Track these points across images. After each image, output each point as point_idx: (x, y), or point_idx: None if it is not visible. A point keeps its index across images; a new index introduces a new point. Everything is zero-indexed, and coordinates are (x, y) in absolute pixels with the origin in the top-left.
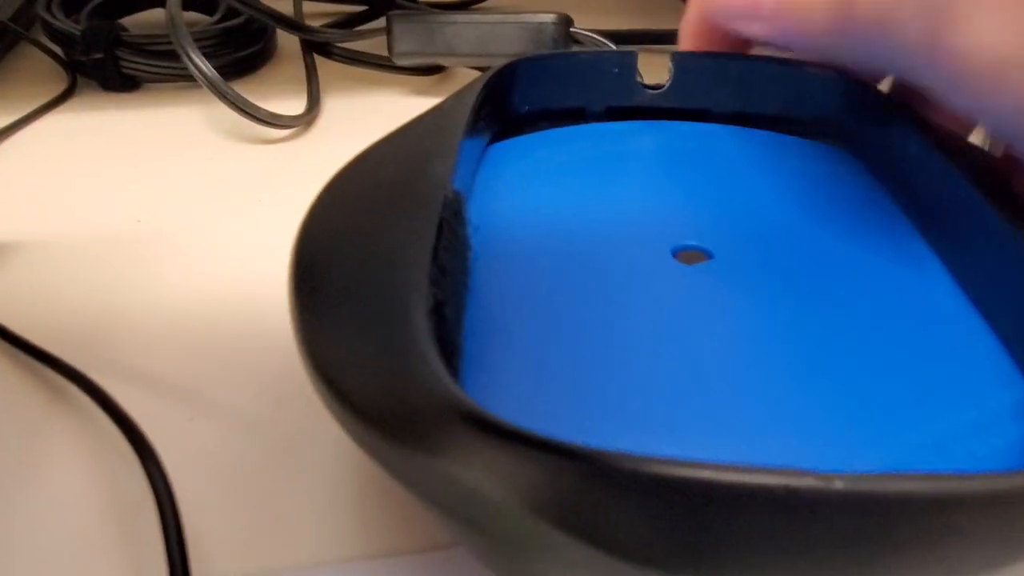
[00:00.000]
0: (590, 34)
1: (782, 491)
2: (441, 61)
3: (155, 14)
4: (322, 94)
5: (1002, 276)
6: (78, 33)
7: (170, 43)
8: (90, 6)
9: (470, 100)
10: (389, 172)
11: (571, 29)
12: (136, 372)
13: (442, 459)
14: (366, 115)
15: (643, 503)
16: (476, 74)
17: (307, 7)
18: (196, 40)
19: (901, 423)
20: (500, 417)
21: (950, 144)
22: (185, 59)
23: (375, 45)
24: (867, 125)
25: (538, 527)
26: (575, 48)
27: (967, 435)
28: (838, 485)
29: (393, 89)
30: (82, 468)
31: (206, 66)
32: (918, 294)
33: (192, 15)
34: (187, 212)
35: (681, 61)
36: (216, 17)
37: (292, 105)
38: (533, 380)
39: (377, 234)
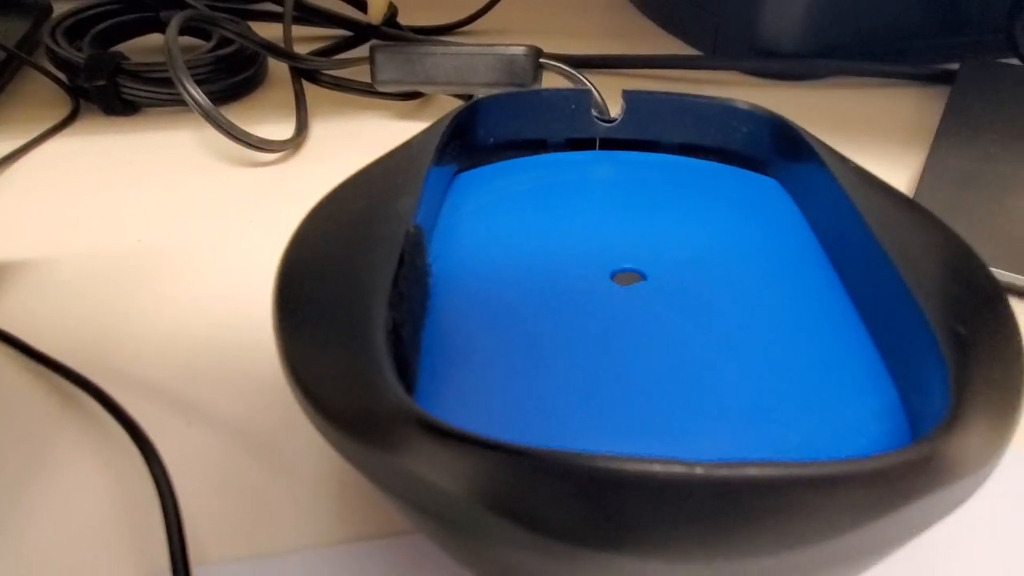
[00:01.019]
0: (558, 64)
1: (659, 476)
2: (421, 88)
3: (154, 39)
4: (310, 117)
5: (881, 299)
6: (81, 61)
7: (167, 71)
8: (92, 32)
9: (436, 137)
10: (360, 206)
11: (540, 60)
12: (139, 380)
13: (393, 455)
14: (351, 138)
15: (566, 490)
16: (454, 101)
17: (298, 31)
18: (191, 67)
19: (782, 422)
20: (447, 421)
21: (853, 180)
22: (180, 88)
23: (361, 71)
24: (789, 160)
25: (478, 513)
26: (546, 73)
27: (835, 433)
28: (698, 471)
29: (377, 113)
30: (91, 466)
31: (199, 94)
32: (816, 313)
33: (189, 40)
34: (183, 232)
35: (631, 98)
36: (211, 45)
37: (282, 127)
38: (481, 390)
39: (347, 263)
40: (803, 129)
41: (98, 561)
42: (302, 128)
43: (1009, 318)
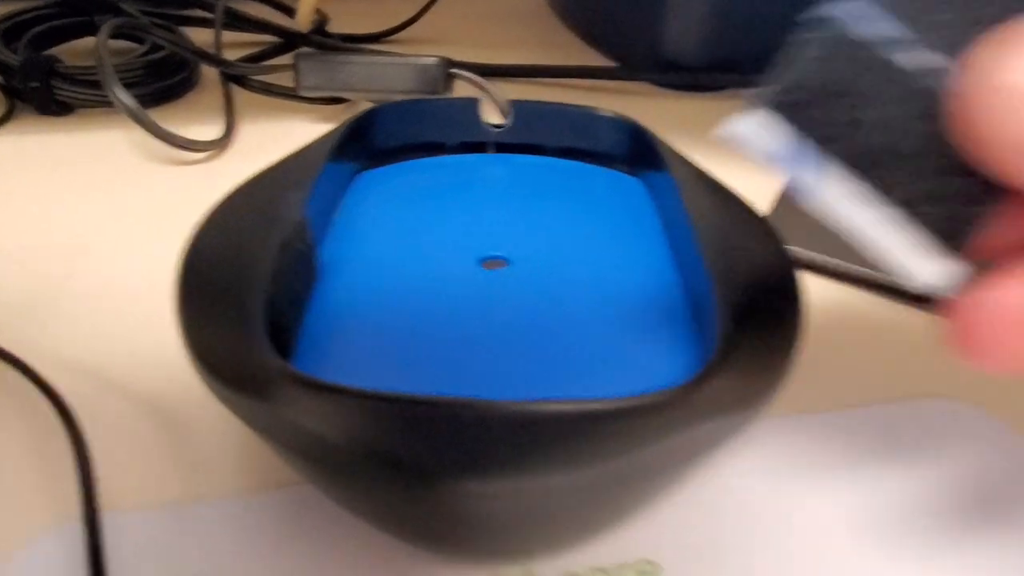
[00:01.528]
0: (466, 73)
1: (479, 412)
2: (342, 94)
3: (88, 42)
4: (238, 119)
5: (694, 277)
6: (17, 64)
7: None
8: (28, 35)
9: (331, 141)
10: (257, 199)
11: (450, 70)
12: (62, 357)
13: (263, 405)
14: (277, 139)
15: (409, 427)
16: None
17: (232, 37)
18: (124, 70)
19: (602, 371)
20: (321, 376)
21: (690, 180)
22: (109, 92)
23: (288, 77)
24: (646, 161)
25: (338, 452)
26: (456, 82)
27: (645, 382)
28: (511, 408)
29: (302, 116)
30: (13, 429)
31: (127, 97)
32: (646, 289)
33: (125, 44)
34: (112, 225)
35: (518, 107)
36: (143, 49)
37: (212, 129)
38: (355, 352)
39: (238, 250)
40: (655, 135)
41: (17, 507)
42: (230, 129)
43: (791, 291)
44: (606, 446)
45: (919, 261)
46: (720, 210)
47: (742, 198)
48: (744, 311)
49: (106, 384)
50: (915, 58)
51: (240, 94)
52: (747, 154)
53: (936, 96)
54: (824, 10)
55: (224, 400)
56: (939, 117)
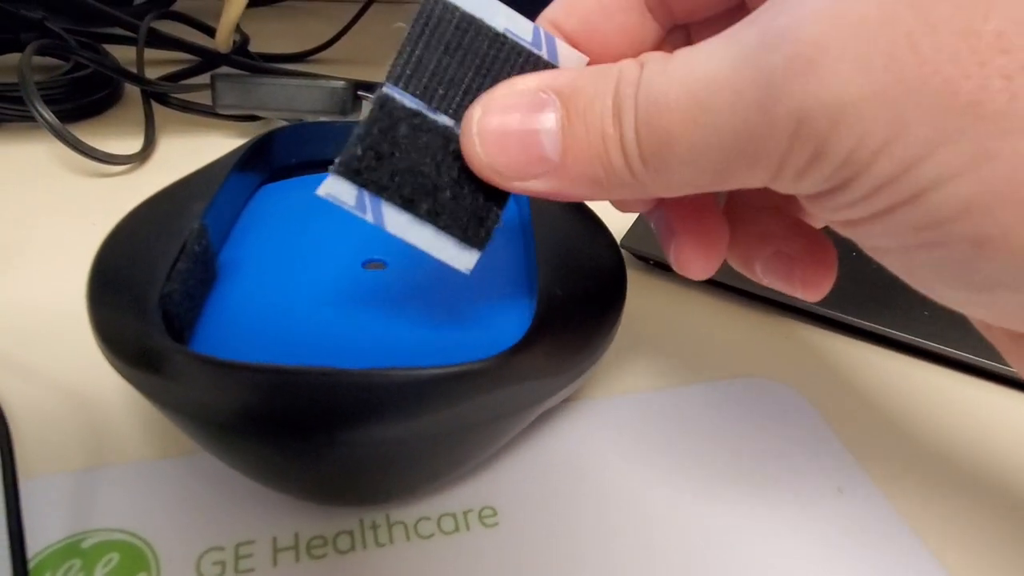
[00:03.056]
0: (372, 95)
1: (332, 379)
2: (257, 113)
3: (14, 57)
4: (159, 134)
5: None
6: None
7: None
8: None
9: (234, 157)
10: (163, 208)
11: (357, 92)
12: None
13: (161, 379)
14: (195, 153)
15: (287, 393)
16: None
17: (155, 54)
18: (49, 87)
19: (448, 347)
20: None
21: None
22: (31, 108)
23: (207, 95)
24: None
25: (221, 416)
26: (364, 103)
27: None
28: (357, 375)
29: (220, 131)
30: None
31: (48, 113)
32: (503, 282)
33: (52, 61)
34: (34, 231)
35: None
36: (68, 66)
37: (133, 143)
38: (243, 337)
39: (142, 251)
40: None
41: None
42: (149, 144)
43: (611, 280)
44: (429, 403)
45: (455, 253)
46: (561, 213)
47: (583, 205)
48: (564, 298)
49: (25, 369)
50: (431, 121)
51: (161, 110)
52: (339, 205)
53: (449, 143)
54: (379, 91)
55: (127, 376)
56: (449, 158)
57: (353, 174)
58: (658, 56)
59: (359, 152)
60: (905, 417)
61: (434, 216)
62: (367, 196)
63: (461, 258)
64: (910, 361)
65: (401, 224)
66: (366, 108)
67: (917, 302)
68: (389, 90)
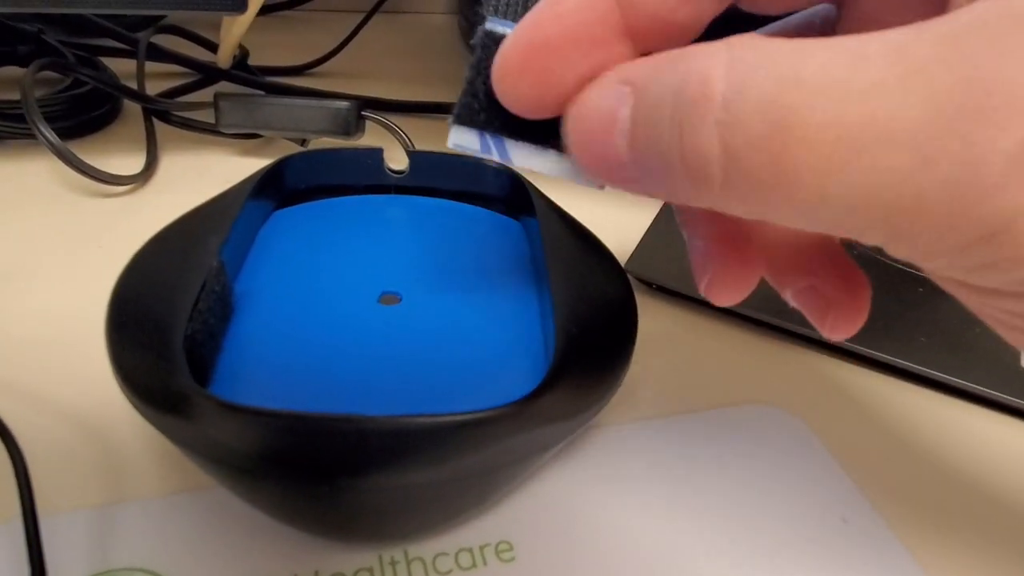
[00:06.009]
0: (376, 116)
1: (357, 426)
2: (260, 132)
3: (13, 71)
4: (160, 152)
5: (549, 311)
6: None
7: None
8: None
9: (248, 187)
10: (178, 243)
11: (362, 112)
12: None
13: (178, 421)
14: (198, 172)
15: (310, 439)
16: (291, 144)
17: (155, 67)
18: (48, 104)
19: (466, 391)
20: (235, 399)
21: (553, 223)
22: (33, 128)
23: (209, 112)
24: (523, 206)
25: (247, 462)
26: (367, 121)
27: (497, 399)
28: (382, 422)
29: (222, 149)
30: None
31: (50, 134)
32: (512, 320)
33: (50, 75)
34: (38, 254)
35: (414, 156)
36: (67, 82)
37: (134, 161)
38: (265, 378)
39: (162, 289)
40: (530, 183)
41: None
42: (151, 163)
43: (624, 316)
44: (455, 449)
45: (575, 169)
46: (573, 249)
47: (593, 238)
48: (581, 336)
49: (43, 404)
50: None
51: (162, 127)
52: (467, 153)
53: None
54: (480, 29)
55: (153, 421)
56: None
57: (471, 119)
58: (749, 42)
59: (472, 96)
60: (908, 445)
61: (555, 141)
62: (489, 138)
63: (576, 173)
64: (912, 388)
65: (526, 156)
66: (371, 128)
67: (915, 328)
68: (491, 24)
